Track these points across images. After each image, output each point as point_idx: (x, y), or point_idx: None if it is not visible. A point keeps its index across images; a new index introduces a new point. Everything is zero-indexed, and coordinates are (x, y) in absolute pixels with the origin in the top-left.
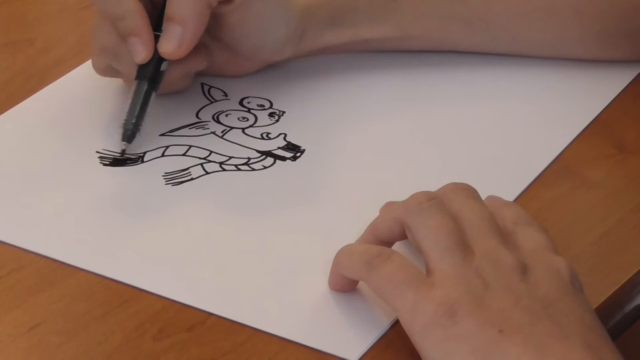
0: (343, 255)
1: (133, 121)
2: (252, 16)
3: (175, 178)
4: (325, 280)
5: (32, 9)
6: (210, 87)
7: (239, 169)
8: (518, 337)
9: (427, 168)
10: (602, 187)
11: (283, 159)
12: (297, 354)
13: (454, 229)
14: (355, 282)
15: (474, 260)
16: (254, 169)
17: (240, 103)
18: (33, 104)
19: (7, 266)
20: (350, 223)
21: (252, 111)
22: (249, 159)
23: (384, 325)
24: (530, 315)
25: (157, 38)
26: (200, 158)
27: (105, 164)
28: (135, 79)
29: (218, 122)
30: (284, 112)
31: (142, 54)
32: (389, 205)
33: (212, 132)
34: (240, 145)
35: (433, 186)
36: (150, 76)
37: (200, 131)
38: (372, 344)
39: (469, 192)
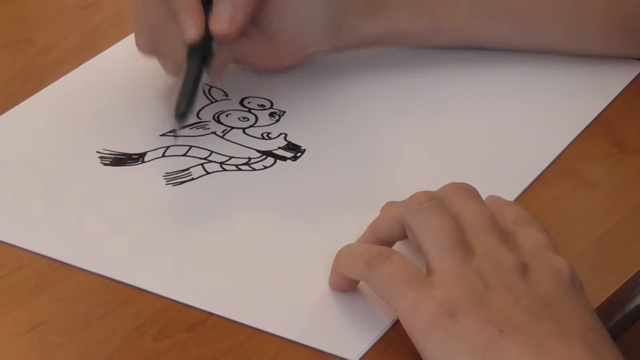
0: (343, 255)
1: (185, 102)
2: (294, 2)
3: (176, 178)
4: (326, 280)
5: (33, 9)
6: (211, 87)
7: (240, 169)
8: (518, 336)
9: (427, 168)
10: (603, 187)
11: (283, 158)
12: (298, 354)
13: (455, 228)
14: (356, 282)
15: (475, 259)
16: (254, 169)
17: (241, 103)
18: (33, 104)
19: (7, 266)
20: (351, 223)
21: (252, 111)
22: (250, 158)
23: (384, 325)
24: (530, 315)
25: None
26: (200, 158)
27: (105, 164)
28: (187, 59)
29: (219, 122)
30: (284, 112)
31: (193, 31)
32: (390, 205)
33: (212, 132)
34: (240, 145)
35: (433, 186)
36: (201, 56)
37: (200, 131)
38: (372, 343)
39: (470, 191)
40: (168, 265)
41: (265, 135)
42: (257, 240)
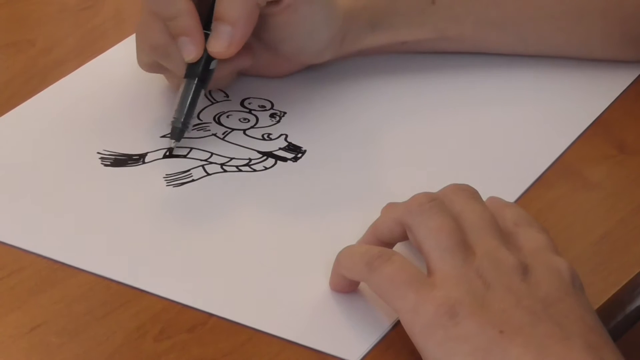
0: (344, 256)
1: (182, 120)
2: (297, 19)
3: (177, 179)
4: (326, 281)
5: (33, 10)
6: None
7: (240, 170)
8: (519, 337)
9: (428, 169)
10: (603, 188)
11: (284, 159)
12: (298, 354)
13: (455, 229)
14: (356, 283)
15: (475, 260)
16: (255, 170)
17: (242, 104)
18: (34, 105)
19: (7, 267)
20: (351, 224)
21: (253, 112)
22: (250, 159)
23: (384, 326)
24: (531, 315)
25: (206, 37)
26: (201, 160)
27: (106, 165)
28: (185, 77)
29: (219, 123)
30: (285, 113)
31: (192, 53)
32: (390, 206)
33: (213, 134)
34: (241, 146)
35: (434, 187)
36: (200, 75)
37: (201, 133)
38: (373, 344)
39: (470, 193)
40: (168, 266)
41: (266, 136)
42: (258, 241)
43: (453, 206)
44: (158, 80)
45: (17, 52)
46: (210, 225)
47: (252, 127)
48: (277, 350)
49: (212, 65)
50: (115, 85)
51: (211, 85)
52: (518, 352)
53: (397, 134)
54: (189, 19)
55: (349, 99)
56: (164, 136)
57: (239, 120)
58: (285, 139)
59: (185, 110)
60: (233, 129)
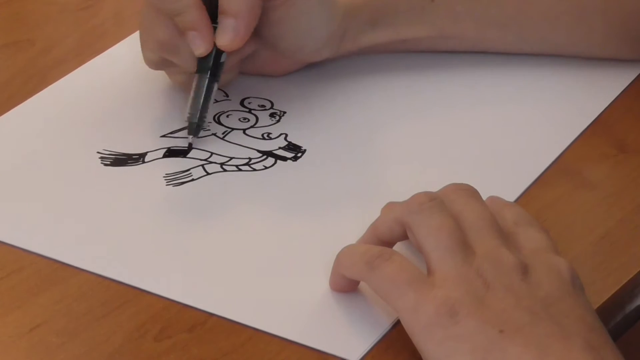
0: (344, 256)
1: (198, 115)
2: (296, 14)
3: (176, 179)
4: (326, 280)
5: (33, 10)
6: None
7: (240, 170)
8: (519, 337)
9: (428, 168)
10: (603, 188)
11: (284, 159)
12: (298, 354)
13: (455, 229)
14: (356, 283)
15: (475, 260)
16: (255, 169)
17: (241, 103)
18: (34, 105)
19: (7, 267)
20: (351, 223)
21: (253, 111)
22: (250, 159)
23: (384, 325)
24: (531, 315)
25: (214, 30)
26: (201, 159)
27: (106, 164)
28: (196, 72)
29: (219, 123)
30: (284, 113)
31: (202, 47)
32: (390, 205)
33: (213, 134)
34: (241, 146)
35: (434, 186)
36: (211, 69)
37: (201, 132)
38: (373, 344)
39: (470, 192)
40: (168, 266)
41: (265, 135)
42: (258, 240)
43: (453, 206)
44: (158, 80)
45: (16, 52)
46: (210, 225)
47: (251, 126)
48: (277, 350)
49: (222, 58)
50: (114, 85)
51: (222, 81)
52: (518, 351)
53: (396, 133)
54: (197, 13)
55: (348, 98)
56: (163, 136)
57: (239, 119)
58: (285, 139)
59: (200, 104)
60: (233, 129)
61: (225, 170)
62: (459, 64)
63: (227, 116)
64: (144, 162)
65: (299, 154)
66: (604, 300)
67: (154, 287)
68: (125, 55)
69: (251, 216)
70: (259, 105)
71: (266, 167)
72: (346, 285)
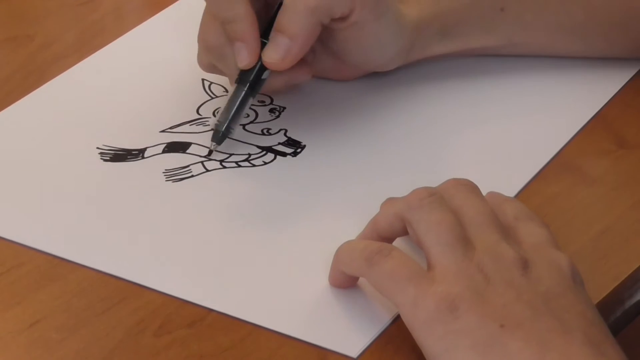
0: (343, 252)
1: (225, 124)
2: (364, 35)
3: (176, 175)
4: (326, 276)
5: (32, 5)
6: (211, 83)
7: (240, 166)
8: (519, 331)
9: (428, 164)
10: (603, 183)
11: (284, 154)
12: (298, 350)
13: (455, 224)
14: (356, 278)
15: (475, 255)
16: (254, 165)
17: None
18: (33, 101)
19: (7, 263)
20: (351, 219)
21: (252, 107)
22: (250, 155)
23: (384, 321)
24: (531, 310)
25: (263, 45)
26: (200, 156)
27: (105, 160)
28: (235, 83)
29: None
30: (284, 108)
31: (245, 60)
32: (390, 201)
33: (212, 129)
34: (240, 141)
35: (434, 182)
36: (250, 82)
37: (200, 128)
38: (372, 339)
39: (470, 187)
40: (168, 262)
41: (265, 131)
42: (257, 236)
43: (453, 201)
44: (157, 75)
45: (16, 47)
46: (209, 221)
47: (251, 122)
48: (276, 346)
49: (265, 75)
50: (114, 80)
51: (265, 91)
52: (518, 346)
53: (396, 128)
54: (246, 24)
55: (348, 94)
56: (163, 131)
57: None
58: (285, 134)
59: (231, 115)
60: None
61: (224, 167)
62: (459, 60)
63: None
64: (143, 157)
65: (299, 150)
66: (603, 295)
67: (154, 282)
68: (124, 51)
69: (250, 212)
70: (258, 101)
71: (265, 163)
72: (346, 281)
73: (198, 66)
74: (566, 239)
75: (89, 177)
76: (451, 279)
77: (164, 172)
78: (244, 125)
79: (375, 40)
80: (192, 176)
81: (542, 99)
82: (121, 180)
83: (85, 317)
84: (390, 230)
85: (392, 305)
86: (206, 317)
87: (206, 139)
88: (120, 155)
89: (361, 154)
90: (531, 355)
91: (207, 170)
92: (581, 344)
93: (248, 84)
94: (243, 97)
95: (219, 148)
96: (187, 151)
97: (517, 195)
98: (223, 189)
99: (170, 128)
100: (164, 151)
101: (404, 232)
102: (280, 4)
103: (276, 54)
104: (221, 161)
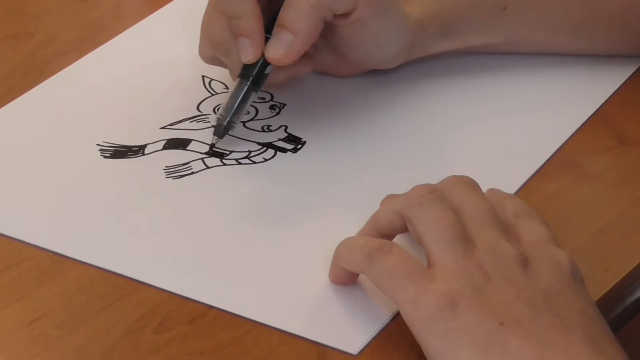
0: (344, 248)
1: (228, 118)
2: (366, 32)
3: (176, 172)
4: (326, 273)
5: (33, 2)
6: (212, 79)
7: (240, 163)
8: (519, 329)
9: (428, 161)
10: (603, 180)
11: (284, 150)
12: (298, 346)
13: (455, 221)
14: (356, 275)
15: (475, 252)
16: (254, 162)
17: None
18: (33, 97)
19: (7, 259)
20: (351, 216)
21: (252, 104)
22: (250, 152)
23: (384, 318)
24: (531, 307)
25: (266, 40)
26: (200, 153)
27: (105, 157)
28: (238, 77)
29: None
30: (284, 105)
31: (249, 55)
32: (390, 197)
33: (212, 126)
34: (241, 138)
35: (434, 179)
36: (254, 77)
37: (201, 124)
38: (372, 336)
39: (470, 184)
40: (168, 259)
41: (265, 127)
42: (257, 233)
43: (453, 198)
44: (157, 72)
45: (16, 44)
46: (209, 218)
47: (251, 119)
48: (277, 342)
49: (268, 70)
50: (114, 77)
51: (267, 87)
52: (518, 343)
53: (397, 124)
54: (252, 20)
55: (348, 90)
56: (163, 127)
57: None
58: (285, 130)
59: (233, 109)
60: None
61: (224, 164)
62: (459, 57)
63: None
64: (143, 154)
65: (299, 146)
66: (603, 292)
67: (154, 279)
68: (124, 48)
69: (251, 208)
70: (259, 98)
71: (266, 159)
72: (346, 278)
73: (198, 63)
74: (566, 236)
75: (89, 173)
76: (451, 277)
77: (164, 169)
78: (244, 123)
79: (377, 38)
80: (193, 173)
81: (542, 96)
82: (121, 176)
83: (86, 314)
84: (391, 227)
85: (392, 302)
86: (206, 314)
87: (207, 135)
88: (121, 152)
89: (361, 151)
90: (531, 352)
91: (208, 167)
92: (581, 341)
93: (251, 79)
94: (246, 92)
95: (220, 145)
96: (188, 148)
97: (517, 193)
98: (223, 185)
99: (171, 125)
100: (164, 147)
101: (404, 229)
102: None
103: (279, 49)
104: (221, 158)
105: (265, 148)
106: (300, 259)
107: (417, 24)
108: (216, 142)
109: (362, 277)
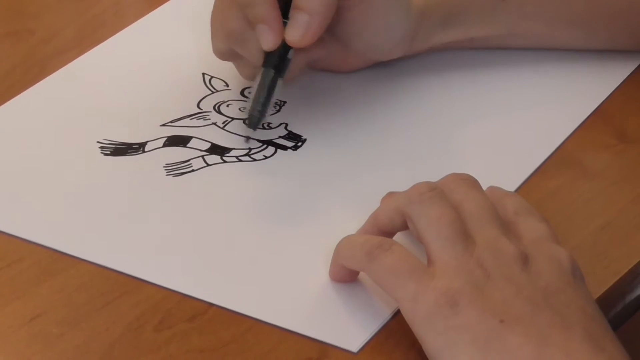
0: (344, 246)
1: (259, 109)
2: (372, 13)
3: (176, 169)
4: (326, 271)
5: (33, 0)
6: (212, 77)
7: (240, 160)
8: (519, 327)
9: (428, 158)
10: (603, 178)
11: (284, 148)
12: (298, 344)
13: (455, 219)
14: (356, 273)
15: (475, 250)
16: (255, 159)
17: (242, 93)
18: (34, 95)
19: (7, 257)
20: (351, 213)
21: None
22: (250, 149)
23: (385, 315)
24: (531, 305)
25: (284, 25)
26: (201, 150)
27: (106, 154)
28: (262, 66)
29: (219, 112)
30: (285, 102)
31: (270, 42)
32: (390, 195)
33: (213, 123)
34: (241, 135)
35: (434, 176)
36: (277, 64)
37: (201, 122)
38: (373, 334)
39: (470, 182)
40: (168, 256)
41: (265, 125)
42: (257, 230)
43: (453, 195)
44: (157, 69)
45: (16, 42)
46: (210, 215)
47: None
48: (277, 340)
49: (290, 54)
50: (114, 74)
51: (286, 77)
52: (518, 341)
53: (397, 122)
54: (268, 6)
55: (349, 88)
56: (164, 125)
57: (239, 109)
58: (286, 128)
59: (263, 100)
60: (233, 118)
61: (225, 162)
62: (459, 54)
63: (228, 106)
64: (144, 151)
65: (299, 143)
66: (604, 290)
67: (154, 277)
68: (125, 45)
69: (251, 206)
70: None
71: (266, 157)
72: (346, 276)
73: (199, 60)
74: (566, 233)
75: (89, 171)
76: (451, 274)
77: (164, 167)
78: (244, 120)
79: (382, 21)
80: (193, 170)
81: (542, 93)
82: (122, 174)
83: (86, 312)
84: (391, 224)
85: (393, 300)
86: (207, 312)
87: (207, 133)
88: (121, 149)
89: (361, 148)
90: (531, 350)
91: (208, 165)
92: (581, 339)
93: (274, 66)
94: (272, 80)
95: (220, 142)
96: (188, 145)
97: (517, 190)
98: (224, 183)
99: (171, 122)
100: (164, 145)
101: (405, 227)
102: None
103: (297, 31)
104: (222, 156)
105: (265, 145)
106: (300, 257)
107: (420, 11)
108: (251, 135)
109: (362, 275)
